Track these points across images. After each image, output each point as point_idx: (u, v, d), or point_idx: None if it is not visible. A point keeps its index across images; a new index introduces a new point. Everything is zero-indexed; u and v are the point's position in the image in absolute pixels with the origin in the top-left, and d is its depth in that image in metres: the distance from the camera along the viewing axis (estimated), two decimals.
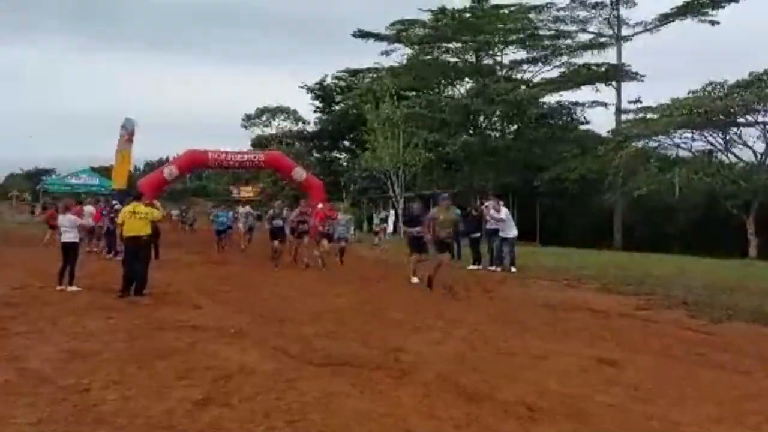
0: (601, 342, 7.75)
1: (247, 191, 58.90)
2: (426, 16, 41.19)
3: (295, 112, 57.85)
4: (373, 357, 6.65)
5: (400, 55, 43.36)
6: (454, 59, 42.26)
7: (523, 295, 11.74)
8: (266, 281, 13.67)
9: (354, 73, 50.71)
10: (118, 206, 16.27)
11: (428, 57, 41.66)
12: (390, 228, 31.48)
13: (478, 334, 8.08)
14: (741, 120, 29.17)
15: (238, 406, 5.04)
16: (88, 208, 19.44)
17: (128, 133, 28.67)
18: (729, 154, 30.94)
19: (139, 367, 6.11)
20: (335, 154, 54.19)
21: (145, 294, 10.76)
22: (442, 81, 43.08)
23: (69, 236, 11.43)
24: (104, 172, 44.54)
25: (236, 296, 11.20)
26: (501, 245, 15.83)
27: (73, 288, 11.15)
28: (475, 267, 16.15)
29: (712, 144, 31.26)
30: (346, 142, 52.49)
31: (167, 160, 48.39)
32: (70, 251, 11.34)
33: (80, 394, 5.27)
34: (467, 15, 39.97)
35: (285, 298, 11.13)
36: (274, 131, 57.96)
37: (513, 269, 15.38)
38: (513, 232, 15.79)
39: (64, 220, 11.64)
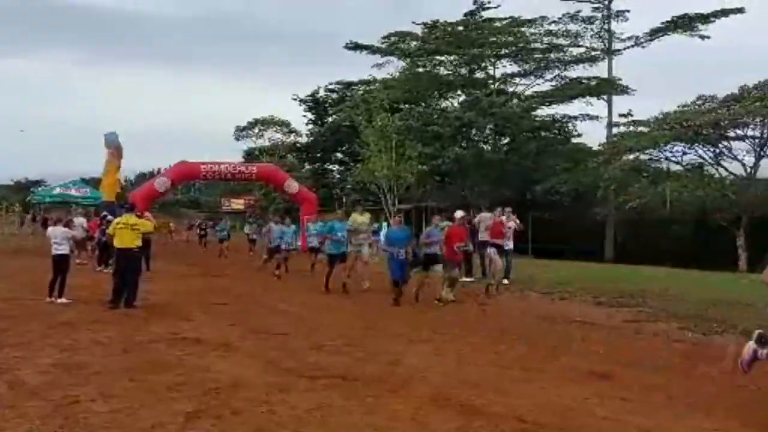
0: (594, 355, 7.76)
1: (238, 203, 58.86)
2: (419, 29, 41.43)
3: (287, 123, 57.90)
4: (368, 370, 6.63)
5: (393, 67, 43.52)
6: (446, 72, 42.38)
7: (516, 308, 11.74)
8: (260, 294, 13.61)
9: (347, 85, 50.83)
10: (109, 218, 16.22)
11: (421, 70, 41.75)
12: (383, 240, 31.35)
13: (472, 347, 8.08)
14: (731, 134, 29.37)
15: (230, 419, 5.00)
16: (79, 220, 19.37)
17: (114, 148, 28.06)
18: (719, 168, 31.15)
19: (129, 380, 6.06)
20: (328, 166, 54.15)
21: (136, 306, 10.71)
22: (435, 94, 43.18)
23: (60, 249, 11.36)
24: (95, 183, 44.30)
25: (230, 309, 11.13)
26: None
27: (64, 300, 11.07)
28: (468, 279, 16.13)
29: (702, 157, 31.46)
30: (339, 155, 52.48)
31: (159, 171, 48.25)
32: (61, 263, 11.28)
33: (70, 407, 5.22)
34: (460, 28, 40.12)
35: (279, 312, 11.08)
36: (266, 143, 57.93)
37: (505, 281, 15.37)
38: (509, 244, 15.79)
39: (55, 232, 11.58)
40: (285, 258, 17.93)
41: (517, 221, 16.09)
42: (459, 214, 13.21)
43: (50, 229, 12.10)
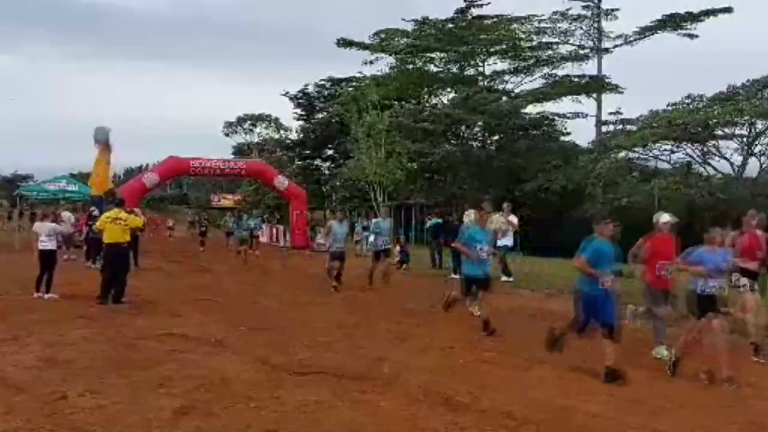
0: (583, 351, 7.76)
1: (228, 200, 58.67)
2: (409, 26, 41.39)
3: (277, 119, 57.76)
4: (356, 367, 6.62)
5: (383, 64, 43.46)
6: (436, 69, 42.39)
7: (505, 305, 11.72)
8: (250, 291, 13.54)
9: (337, 81, 50.73)
10: (96, 213, 16.08)
11: (411, 66, 41.74)
12: (372, 237, 31.22)
13: (460, 344, 8.08)
14: (719, 132, 29.53)
15: (219, 415, 4.98)
16: (66, 214, 19.20)
17: (104, 142, 27.53)
18: (707, 166, 31.34)
19: (117, 376, 6.02)
20: (317, 162, 54.05)
21: (124, 302, 10.63)
22: (425, 90, 43.16)
23: (47, 244, 11.27)
24: (84, 178, 43.97)
25: (219, 306, 11.07)
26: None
27: (51, 295, 10.98)
28: (457, 276, 16.12)
29: (690, 156, 31.63)
30: (329, 151, 52.41)
31: (147, 167, 48.00)
32: (48, 259, 11.18)
33: (57, 403, 5.18)
34: (450, 25, 40.14)
35: (267, 309, 11.04)
36: (255, 139, 57.79)
37: (503, 278, 15.08)
38: (510, 241, 15.57)
39: (42, 227, 11.47)
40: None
41: (514, 219, 16.00)
42: (664, 218, 9.04)
43: (37, 224, 11.98)
